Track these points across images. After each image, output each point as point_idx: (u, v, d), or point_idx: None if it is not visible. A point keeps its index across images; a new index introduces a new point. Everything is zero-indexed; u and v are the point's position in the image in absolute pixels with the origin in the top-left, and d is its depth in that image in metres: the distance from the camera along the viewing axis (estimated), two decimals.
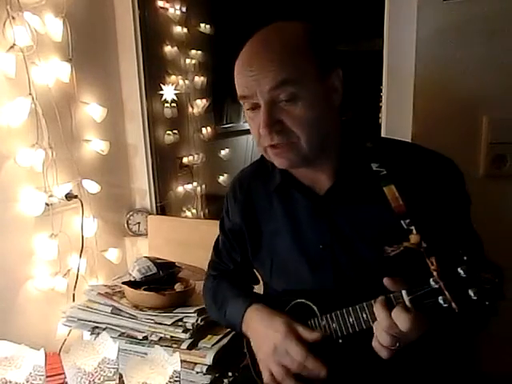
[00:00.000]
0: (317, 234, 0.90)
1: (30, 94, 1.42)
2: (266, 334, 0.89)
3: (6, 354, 0.86)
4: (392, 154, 0.88)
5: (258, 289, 1.10)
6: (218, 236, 1.13)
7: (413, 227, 0.78)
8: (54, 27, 1.49)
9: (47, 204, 1.49)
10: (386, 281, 0.73)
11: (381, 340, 0.73)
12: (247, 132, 3.08)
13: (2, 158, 1.40)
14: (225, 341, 1.27)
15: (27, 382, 0.81)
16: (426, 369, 0.88)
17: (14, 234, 1.45)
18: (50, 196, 1.50)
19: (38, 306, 1.53)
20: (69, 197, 1.55)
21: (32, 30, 1.40)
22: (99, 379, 0.85)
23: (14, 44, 1.36)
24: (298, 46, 0.79)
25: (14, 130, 1.40)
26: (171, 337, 1.27)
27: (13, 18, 1.36)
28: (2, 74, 1.36)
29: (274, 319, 0.89)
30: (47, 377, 0.88)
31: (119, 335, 1.33)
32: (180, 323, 1.28)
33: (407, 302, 0.70)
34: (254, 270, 1.09)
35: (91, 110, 1.66)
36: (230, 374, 1.26)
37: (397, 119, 1.39)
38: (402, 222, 0.80)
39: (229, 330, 1.29)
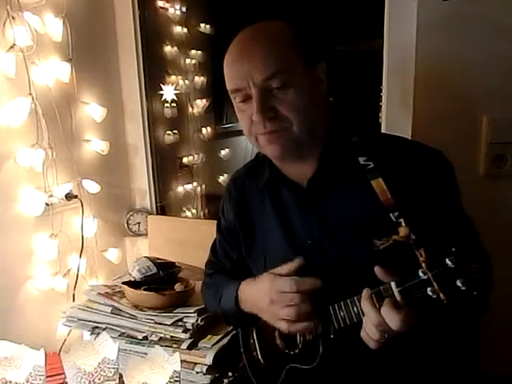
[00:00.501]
0: (305, 229, 0.91)
1: (30, 93, 1.42)
2: (257, 293, 0.90)
3: (5, 354, 0.86)
4: (379, 147, 0.89)
5: None
6: (215, 238, 1.14)
7: (401, 220, 0.79)
8: (54, 27, 1.49)
9: (47, 204, 1.49)
10: (377, 269, 0.73)
11: (370, 334, 0.74)
12: None
13: (2, 158, 1.39)
14: (225, 341, 1.27)
15: (27, 381, 0.81)
16: (422, 366, 0.88)
17: (14, 233, 1.45)
18: (50, 196, 1.50)
19: (38, 306, 1.53)
20: (69, 197, 1.55)
21: (32, 30, 1.40)
22: (99, 379, 0.85)
23: (14, 44, 1.36)
24: (284, 40, 0.83)
25: (14, 130, 1.40)
26: (171, 337, 1.27)
27: (13, 17, 1.36)
28: (2, 73, 1.36)
29: (258, 278, 0.91)
30: (47, 377, 0.88)
31: (119, 335, 1.33)
32: (180, 323, 1.27)
33: (396, 294, 0.70)
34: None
35: (91, 110, 1.66)
36: (229, 373, 1.26)
37: (397, 119, 1.39)
38: (391, 214, 0.80)
39: (229, 330, 1.29)
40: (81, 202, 1.60)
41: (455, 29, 1.25)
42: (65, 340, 1.55)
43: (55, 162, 1.51)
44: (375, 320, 0.71)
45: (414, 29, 1.28)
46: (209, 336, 1.28)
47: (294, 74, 0.81)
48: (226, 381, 1.25)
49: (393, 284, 0.71)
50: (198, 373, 1.22)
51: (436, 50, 1.28)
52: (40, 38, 1.43)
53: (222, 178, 2.60)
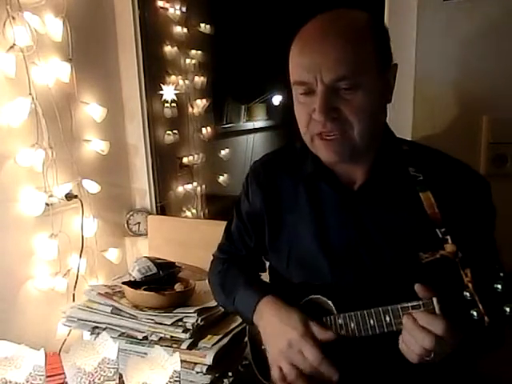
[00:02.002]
0: (341, 231, 0.88)
1: (30, 94, 1.42)
2: (280, 330, 0.85)
3: (5, 354, 0.86)
4: (426, 160, 0.87)
5: (264, 277, 1.07)
6: (231, 219, 1.09)
7: (448, 237, 0.77)
8: (54, 27, 1.49)
9: (47, 204, 1.49)
10: (417, 287, 0.72)
11: (415, 350, 0.71)
12: (247, 132, 3.08)
13: (2, 158, 1.40)
14: (225, 341, 1.27)
15: (27, 381, 0.82)
16: (430, 370, 0.87)
17: (13, 233, 1.45)
18: (50, 196, 1.50)
19: (38, 306, 1.53)
20: (69, 197, 1.55)
21: (32, 30, 1.40)
22: (99, 379, 0.85)
23: (14, 44, 1.36)
24: (361, 36, 0.77)
25: (14, 130, 1.40)
26: (171, 337, 1.27)
27: (13, 17, 1.36)
28: (2, 74, 1.36)
29: (290, 315, 0.86)
30: (47, 377, 0.88)
31: (119, 335, 1.33)
32: (180, 323, 1.27)
33: (437, 310, 0.69)
34: (263, 258, 1.07)
35: (91, 110, 1.66)
36: (230, 373, 1.26)
37: (397, 119, 1.38)
38: (438, 230, 0.78)
39: (229, 330, 1.29)
40: (81, 202, 1.60)
41: (455, 29, 1.25)
42: (65, 340, 1.55)
43: (55, 161, 1.51)
44: (422, 339, 0.69)
45: (414, 29, 1.28)
46: (209, 336, 1.28)
47: (366, 76, 0.76)
48: (226, 381, 1.25)
49: (434, 300, 0.70)
50: (198, 373, 1.22)
51: (436, 49, 1.28)
52: (40, 38, 1.43)
53: (222, 178, 2.59)
